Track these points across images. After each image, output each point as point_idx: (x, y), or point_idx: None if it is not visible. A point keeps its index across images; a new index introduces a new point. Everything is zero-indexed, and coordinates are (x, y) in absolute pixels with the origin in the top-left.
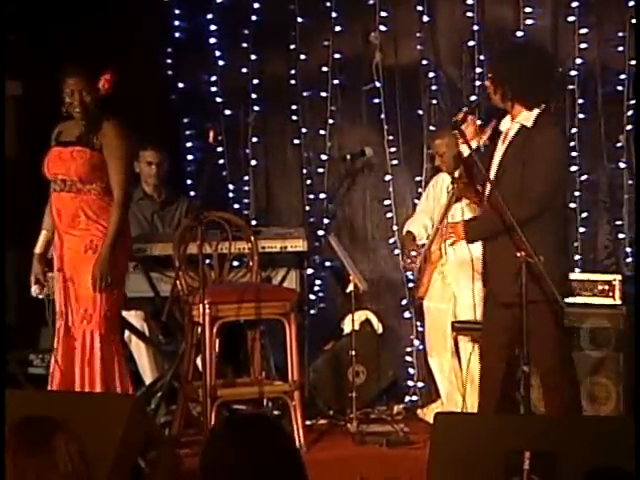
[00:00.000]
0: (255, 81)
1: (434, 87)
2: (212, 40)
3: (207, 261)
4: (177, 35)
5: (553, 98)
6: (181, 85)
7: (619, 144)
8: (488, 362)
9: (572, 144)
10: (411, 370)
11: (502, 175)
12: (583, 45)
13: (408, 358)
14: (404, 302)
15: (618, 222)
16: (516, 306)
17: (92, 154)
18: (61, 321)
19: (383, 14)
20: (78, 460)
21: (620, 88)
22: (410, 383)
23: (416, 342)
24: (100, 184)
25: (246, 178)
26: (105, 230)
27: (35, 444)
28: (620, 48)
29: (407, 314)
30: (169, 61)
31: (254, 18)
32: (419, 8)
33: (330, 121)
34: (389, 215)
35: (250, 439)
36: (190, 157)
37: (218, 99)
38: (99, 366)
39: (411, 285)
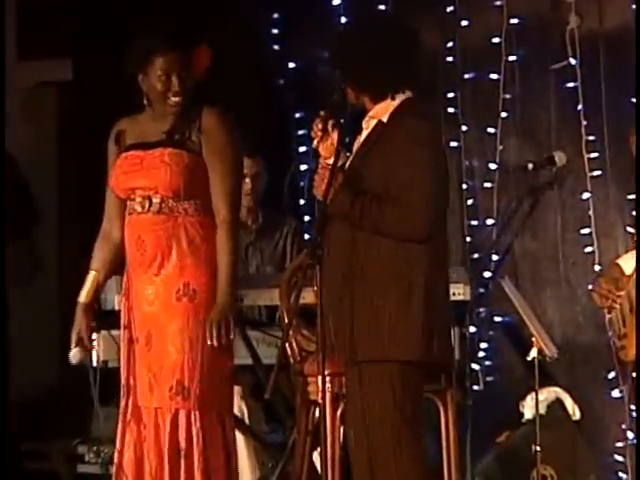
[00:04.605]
0: None
1: None
2: (335, 1)
3: None
4: None
5: (410, 84)
6: (292, 65)
7: None
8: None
9: None
10: (622, 475)
11: (352, 178)
12: None
13: (618, 457)
14: (612, 375)
15: None
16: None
17: (190, 158)
18: (127, 400)
19: None
20: None
21: None
22: None
23: (630, 434)
24: (197, 201)
25: None
26: (205, 268)
27: None
28: None
29: (616, 393)
30: (275, 31)
31: None
32: None
33: (503, 114)
34: (589, 249)
35: None
36: (303, 167)
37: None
38: (198, 460)
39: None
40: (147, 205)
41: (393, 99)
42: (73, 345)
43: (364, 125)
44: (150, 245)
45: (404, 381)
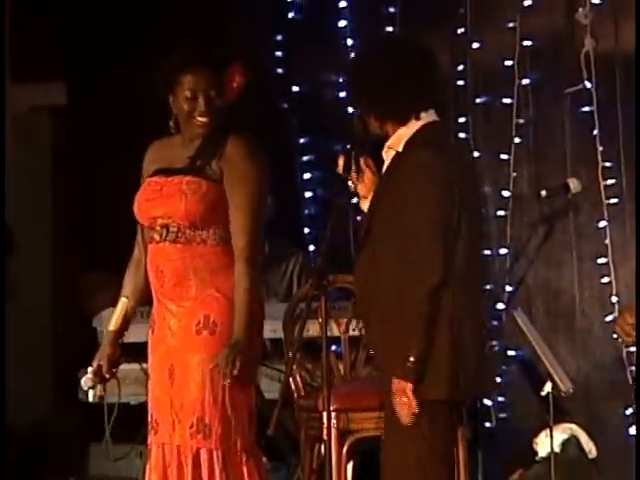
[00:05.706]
0: None
1: None
2: (342, 22)
3: (333, 348)
4: (291, 15)
5: (425, 106)
6: (296, 89)
7: None
8: None
9: None
10: None
11: (372, 225)
12: None
13: None
14: (629, 411)
15: None
16: None
17: (208, 187)
18: (153, 436)
19: None
20: None
21: None
22: None
23: None
24: (217, 230)
25: None
26: (227, 300)
27: None
28: None
29: (634, 430)
30: (279, 54)
31: None
32: None
33: (516, 140)
34: (606, 280)
35: None
36: (308, 194)
37: (351, 109)
38: None
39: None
40: (164, 234)
41: (418, 119)
42: (90, 372)
43: (384, 156)
44: (169, 276)
45: (432, 421)
